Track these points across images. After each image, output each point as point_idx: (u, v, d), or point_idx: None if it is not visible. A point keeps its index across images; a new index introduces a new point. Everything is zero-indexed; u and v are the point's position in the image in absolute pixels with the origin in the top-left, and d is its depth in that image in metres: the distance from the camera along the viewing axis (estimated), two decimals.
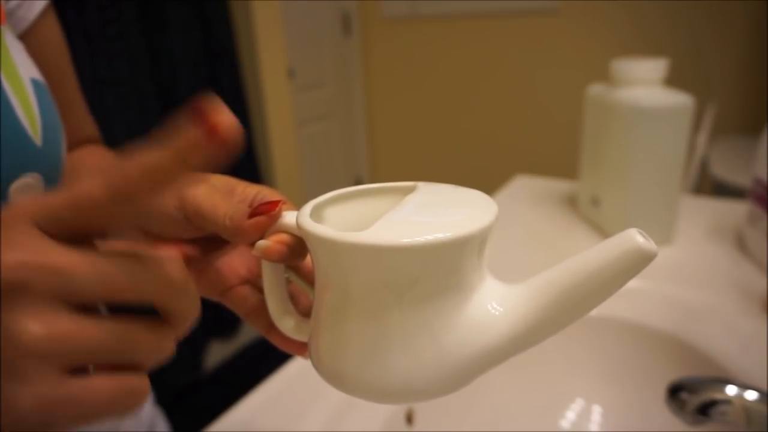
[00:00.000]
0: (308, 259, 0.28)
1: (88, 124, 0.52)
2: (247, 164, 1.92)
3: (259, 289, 0.33)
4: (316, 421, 0.48)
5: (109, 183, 0.20)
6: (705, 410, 0.39)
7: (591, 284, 0.22)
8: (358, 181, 2.73)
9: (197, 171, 0.20)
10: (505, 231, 0.83)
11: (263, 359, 1.02)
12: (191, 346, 1.89)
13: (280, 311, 0.30)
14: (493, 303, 0.23)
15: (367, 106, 2.69)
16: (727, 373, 0.51)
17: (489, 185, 0.69)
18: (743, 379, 0.49)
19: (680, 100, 0.69)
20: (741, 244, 0.74)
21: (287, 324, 0.30)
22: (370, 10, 2.49)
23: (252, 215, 0.26)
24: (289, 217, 0.26)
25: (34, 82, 0.37)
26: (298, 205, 0.27)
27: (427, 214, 0.23)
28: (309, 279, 0.31)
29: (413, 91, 2.54)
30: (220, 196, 0.28)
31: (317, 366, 0.26)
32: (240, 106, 1.98)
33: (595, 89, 0.79)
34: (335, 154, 2.59)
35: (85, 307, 0.20)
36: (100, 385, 0.20)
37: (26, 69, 0.37)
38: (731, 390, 0.39)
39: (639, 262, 0.21)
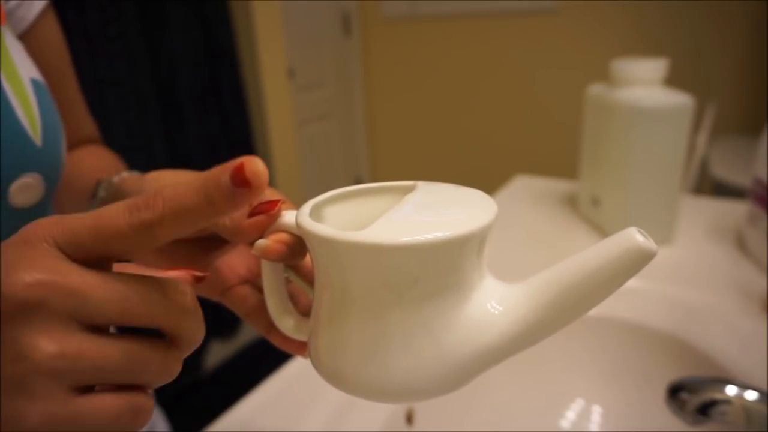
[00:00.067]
0: (308, 258, 0.28)
1: (88, 124, 0.52)
2: None
3: (259, 289, 0.33)
4: (316, 421, 0.48)
5: (134, 214, 0.20)
6: (705, 410, 0.39)
7: (590, 283, 0.22)
8: (358, 181, 2.73)
9: (223, 213, 0.20)
10: (505, 231, 0.83)
11: (263, 359, 1.02)
12: None
13: (279, 311, 0.30)
14: (493, 302, 0.23)
15: (367, 106, 2.69)
16: (727, 373, 0.51)
17: (489, 185, 0.69)
18: (743, 379, 0.49)
19: (680, 100, 0.69)
20: (741, 244, 0.74)
21: (287, 323, 0.30)
22: (370, 10, 2.49)
23: (251, 214, 0.26)
24: (288, 217, 0.27)
25: (34, 82, 0.37)
26: (297, 205, 0.27)
27: (426, 213, 0.23)
28: (308, 278, 0.31)
29: (413, 91, 2.54)
30: None
31: (317, 365, 0.26)
32: (240, 106, 1.98)
33: (595, 89, 0.79)
34: (335, 154, 2.59)
35: (96, 327, 0.20)
36: (106, 403, 0.20)
37: (26, 69, 0.37)
38: (731, 390, 0.39)
39: (638, 261, 0.21)
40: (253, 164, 0.20)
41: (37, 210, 0.37)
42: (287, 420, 0.49)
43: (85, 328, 0.20)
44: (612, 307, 0.61)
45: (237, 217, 0.27)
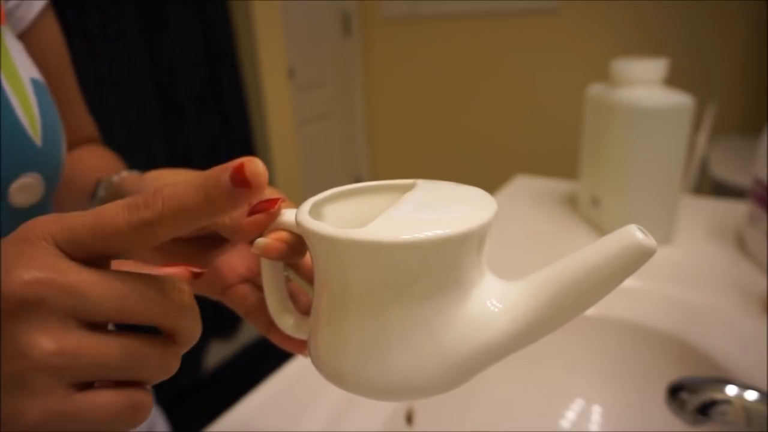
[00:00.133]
0: (307, 256, 0.28)
1: (88, 124, 0.52)
2: None
3: (259, 288, 0.33)
4: (316, 421, 0.48)
5: (133, 212, 0.20)
6: (705, 410, 0.39)
7: (590, 280, 0.22)
8: (358, 181, 2.72)
9: (223, 212, 0.20)
10: (505, 231, 0.83)
11: (263, 359, 1.02)
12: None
13: (279, 309, 0.30)
14: (493, 300, 0.23)
15: (367, 106, 2.69)
16: (727, 373, 0.51)
17: (489, 185, 0.68)
18: (743, 379, 0.49)
19: (680, 100, 0.69)
20: (741, 244, 0.74)
21: (287, 322, 0.30)
22: (370, 10, 2.49)
23: (251, 213, 0.27)
24: (288, 215, 0.27)
25: (34, 82, 0.37)
26: (297, 205, 0.27)
27: (426, 211, 0.23)
28: (308, 277, 0.31)
29: (413, 91, 2.54)
30: None
31: (317, 364, 0.26)
32: (240, 106, 1.98)
33: (595, 89, 0.79)
34: (335, 154, 2.59)
35: (95, 324, 0.20)
36: (105, 399, 0.20)
37: (26, 69, 0.37)
38: (731, 390, 0.39)
39: (638, 258, 0.21)
40: (253, 165, 0.20)
41: (37, 210, 0.37)
42: (287, 420, 0.49)
43: (84, 325, 0.20)
44: (612, 306, 0.61)
45: (237, 215, 0.27)
